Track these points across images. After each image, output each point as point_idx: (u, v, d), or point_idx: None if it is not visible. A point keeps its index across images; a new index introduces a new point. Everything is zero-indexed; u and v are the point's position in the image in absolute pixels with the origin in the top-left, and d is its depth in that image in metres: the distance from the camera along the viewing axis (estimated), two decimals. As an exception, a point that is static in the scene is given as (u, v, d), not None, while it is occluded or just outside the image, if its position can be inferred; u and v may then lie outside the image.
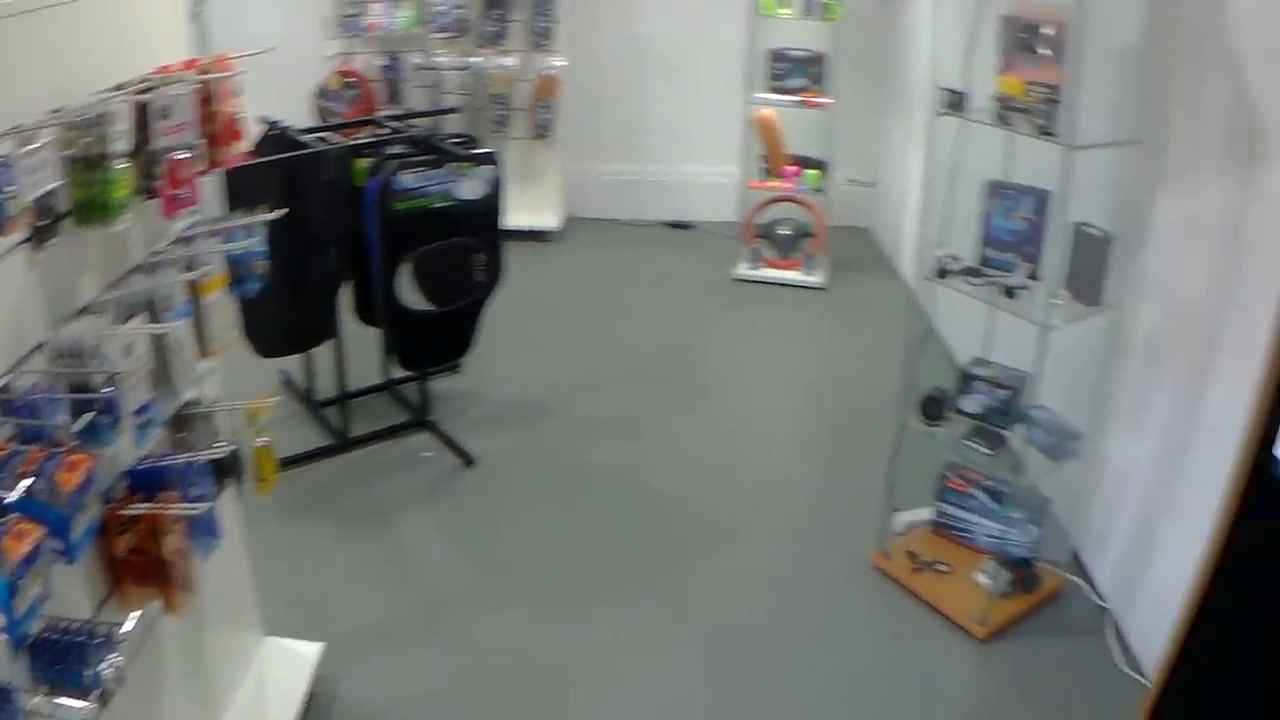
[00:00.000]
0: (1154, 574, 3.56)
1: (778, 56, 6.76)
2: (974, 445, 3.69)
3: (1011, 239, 3.60)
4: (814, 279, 6.80)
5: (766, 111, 6.70)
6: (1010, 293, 3.50)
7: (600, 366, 5.62)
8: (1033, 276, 3.54)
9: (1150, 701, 2.61)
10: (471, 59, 7.03)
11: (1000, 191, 3.64)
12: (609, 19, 7.39)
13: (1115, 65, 3.51)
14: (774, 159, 6.75)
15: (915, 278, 3.73)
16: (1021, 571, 3.81)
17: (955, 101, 3.50)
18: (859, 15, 6.85)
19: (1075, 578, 3.98)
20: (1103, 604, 3.86)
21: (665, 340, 5.98)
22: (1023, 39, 3.38)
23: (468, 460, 4.59)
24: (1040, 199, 3.50)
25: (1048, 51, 3.30)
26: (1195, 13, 3.35)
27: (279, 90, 4.44)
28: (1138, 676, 3.43)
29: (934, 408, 3.78)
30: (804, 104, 6.68)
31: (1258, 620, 2.33)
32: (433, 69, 6.99)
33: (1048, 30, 3.30)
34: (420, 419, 4.83)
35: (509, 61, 7.10)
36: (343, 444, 4.62)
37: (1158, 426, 3.60)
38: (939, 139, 3.65)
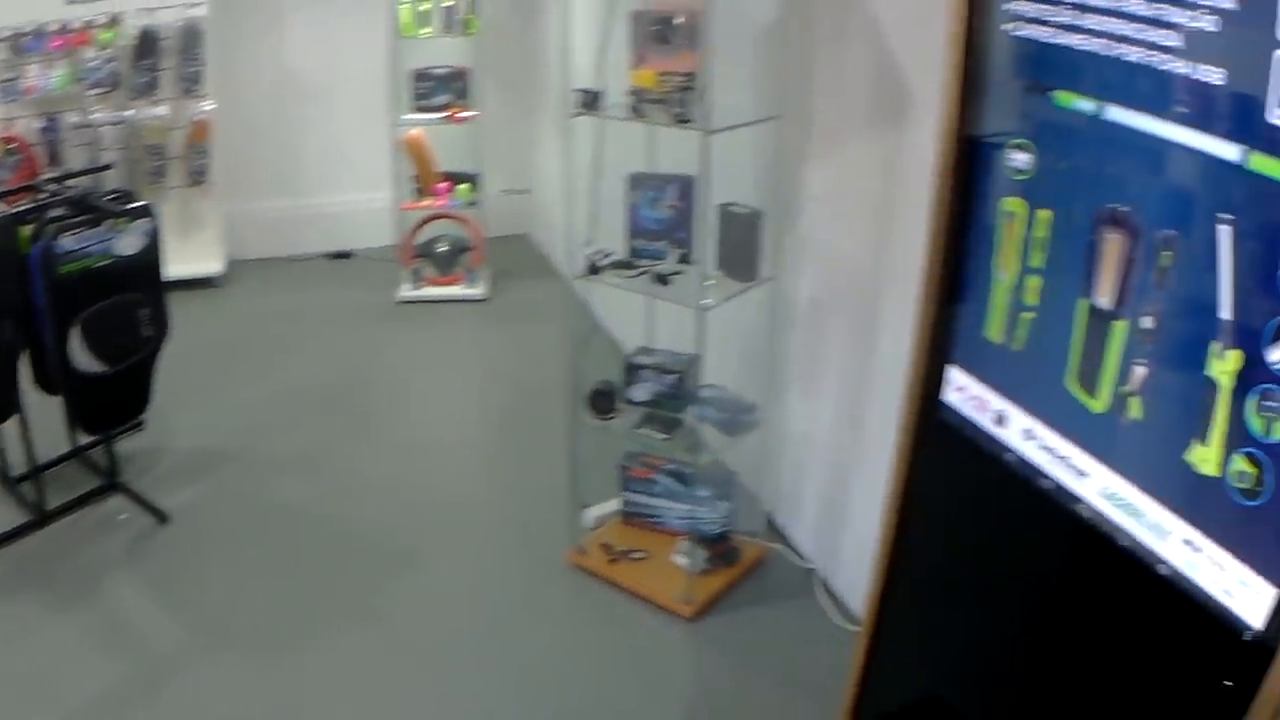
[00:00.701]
0: (851, 526, 3.62)
1: (420, 76, 6.62)
2: (649, 432, 3.67)
3: (659, 227, 3.58)
4: (476, 291, 6.71)
5: (414, 132, 6.55)
6: (664, 280, 3.48)
7: (277, 405, 5.37)
8: (685, 261, 3.53)
9: (862, 647, 2.62)
10: (126, 112, 6.59)
11: (643, 182, 3.61)
12: (255, 57, 7.04)
13: (752, 45, 3.55)
14: (425, 178, 6.60)
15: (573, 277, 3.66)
16: (719, 546, 3.83)
17: (589, 101, 3.45)
18: (498, 26, 6.79)
19: (776, 544, 4.02)
20: (807, 564, 3.91)
21: (338, 371, 5.77)
22: (655, 31, 3.36)
23: (162, 518, 4.32)
24: (685, 185, 3.49)
25: (681, 41, 3.30)
26: None
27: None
28: (853, 627, 3.46)
29: (604, 401, 3.75)
30: (450, 120, 6.57)
31: (942, 553, 2.37)
32: (90, 126, 6.52)
33: (680, 20, 3.29)
34: (112, 481, 4.51)
35: (161, 111, 6.69)
36: (41, 519, 4.28)
37: (832, 386, 3.66)
38: (579, 139, 3.60)
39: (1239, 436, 1.60)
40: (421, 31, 6.45)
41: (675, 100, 3.26)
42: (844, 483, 3.67)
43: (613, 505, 4.13)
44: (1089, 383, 1.88)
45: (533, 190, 7.48)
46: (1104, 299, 1.83)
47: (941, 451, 2.30)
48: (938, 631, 2.42)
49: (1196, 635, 1.69)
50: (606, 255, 3.59)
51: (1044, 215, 1.95)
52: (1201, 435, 1.65)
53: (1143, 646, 1.82)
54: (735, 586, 3.81)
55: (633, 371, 3.73)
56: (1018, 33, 1.95)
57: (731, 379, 3.78)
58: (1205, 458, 1.64)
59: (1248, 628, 1.59)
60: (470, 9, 6.45)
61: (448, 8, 6.44)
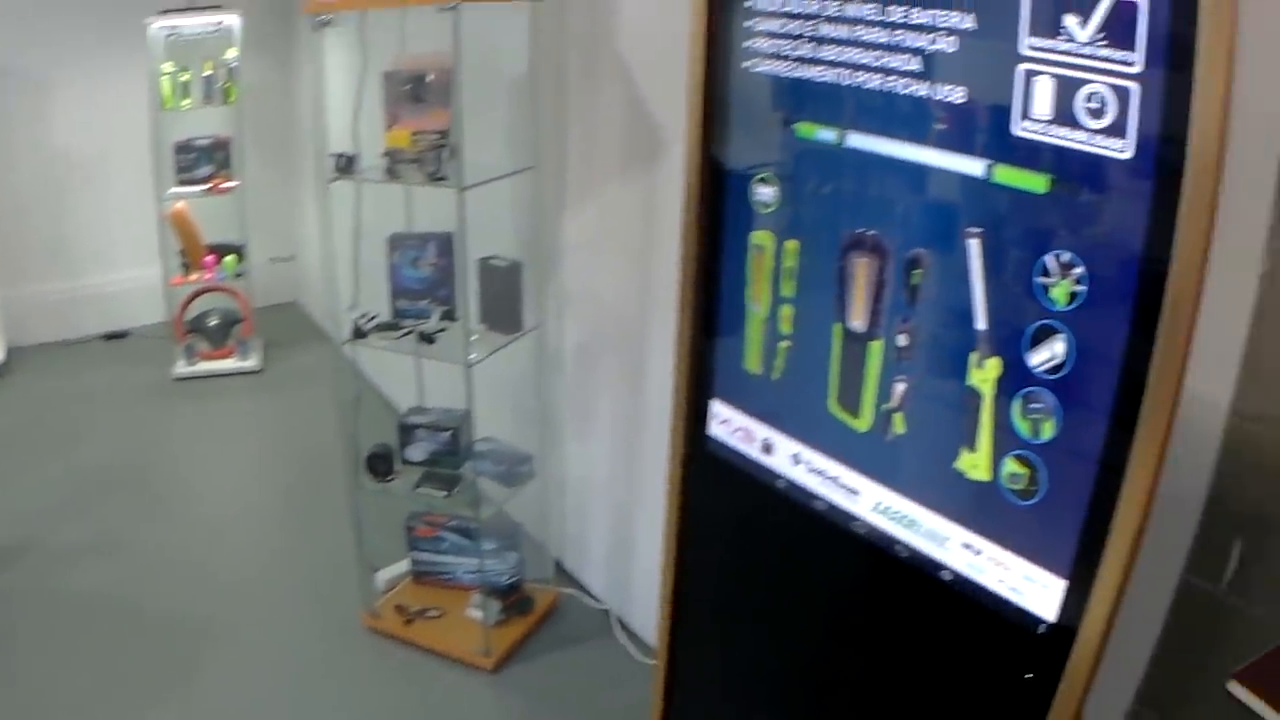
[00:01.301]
0: (639, 563, 3.58)
1: (182, 148, 6.33)
2: (429, 491, 3.56)
3: (422, 286, 3.49)
4: (250, 363, 6.43)
5: (178, 206, 6.26)
6: (429, 338, 3.39)
7: (67, 491, 5.05)
8: (449, 317, 3.45)
9: (660, 680, 2.59)
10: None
11: (403, 242, 3.51)
12: (22, 136, 6.64)
13: (505, 96, 3.48)
14: (192, 252, 6.32)
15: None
16: (512, 597, 3.74)
17: (345, 165, 3.33)
18: (258, 93, 6.58)
19: (568, 589, 3.95)
20: (601, 605, 3.86)
21: (122, 453, 5.48)
22: (408, 90, 3.29)
23: (-43, 616, 4.00)
24: (444, 242, 3.41)
25: (434, 98, 3.23)
26: (583, 30, 3.35)
27: None
28: (652, 662, 3.36)
29: (381, 464, 3.63)
30: (214, 191, 6.31)
31: (729, 581, 2.34)
32: None
33: (431, 77, 3.23)
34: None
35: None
36: None
37: (606, 428, 3.63)
38: (338, 203, 3.46)
39: (1008, 440, 1.62)
40: (183, 103, 6.20)
41: (429, 159, 3.18)
42: (628, 521, 3.63)
43: (403, 566, 3.99)
44: (851, 404, 1.89)
45: (298, 256, 7.27)
46: (857, 322, 1.84)
47: (714, 483, 2.28)
48: (737, 657, 2.38)
49: (992, 634, 1.70)
50: (371, 318, 3.48)
51: (792, 246, 1.95)
52: (970, 443, 1.68)
53: (942, 651, 1.82)
54: (533, 634, 3.73)
55: (407, 432, 3.64)
56: (758, 69, 1.96)
57: (506, 430, 3.72)
58: (975, 464, 1.67)
59: (1041, 621, 1.62)
60: (228, 78, 6.22)
61: (207, 77, 6.21)
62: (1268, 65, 1.66)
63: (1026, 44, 1.48)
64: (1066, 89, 1.44)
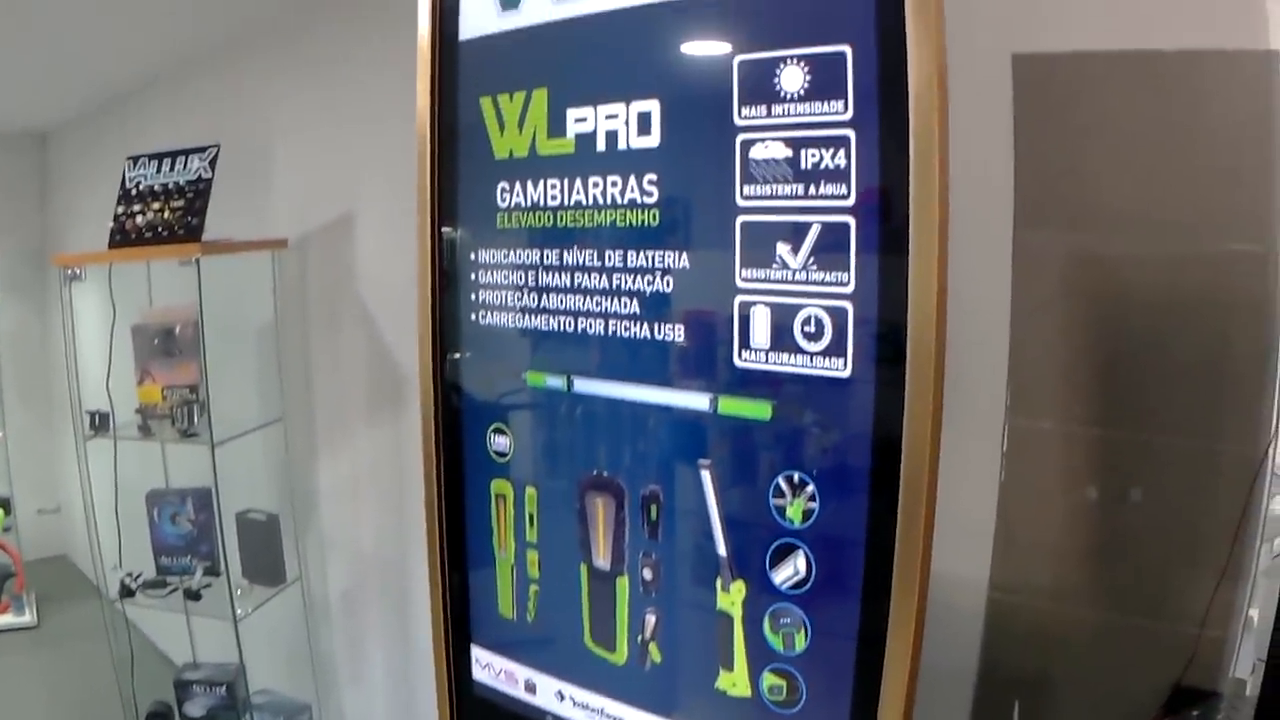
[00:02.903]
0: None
1: (-58, 401, 5.99)
2: (213, 747, 3.38)
3: (183, 542, 3.38)
4: (25, 619, 6.03)
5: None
6: (195, 595, 3.28)
7: None
8: (212, 572, 3.35)
9: None
10: None
11: (161, 499, 3.40)
12: None
13: (255, 346, 3.43)
14: (-42, 508, 5.96)
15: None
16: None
17: (100, 423, 3.23)
18: (17, 340, 6.37)
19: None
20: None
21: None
22: (159, 345, 3.21)
23: None
24: (201, 497, 3.30)
25: (184, 351, 3.17)
26: (324, 277, 3.34)
27: None
28: None
29: (162, 724, 3.43)
30: (-26, 441, 5.94)
31: None
32: None
33: (179, 330, 3.16)
34: None
35: None
36: None
37: (379, 674, 3.51)
38: (97, 459, 3.33)
39: (763, 656, 1.58)
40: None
41: (181, 414, 3.10)
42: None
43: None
44: (605, 639, 1.83)
45: (64, 508, 6.88)
46: (602, 560, 1.80)
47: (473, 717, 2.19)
48: None
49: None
50: (137, 576, 3.34)
51: (531, 492, 1.91)
52: (727, 663, 1.62)
53: None
54: None
55: (183, 688, 3.45)
56: (486, 320, 1.93)
57: (282, 680, 3.57)
58: (734, 682, 1.63)
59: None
60: (-13, 321, 5.92)
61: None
62: (987, 248, 1.73)
63: (740, 276, 1.49)
64: (783, 316, 1.45)
